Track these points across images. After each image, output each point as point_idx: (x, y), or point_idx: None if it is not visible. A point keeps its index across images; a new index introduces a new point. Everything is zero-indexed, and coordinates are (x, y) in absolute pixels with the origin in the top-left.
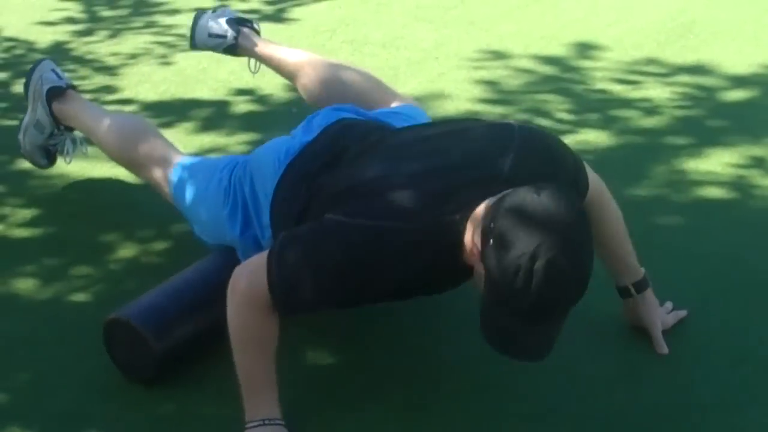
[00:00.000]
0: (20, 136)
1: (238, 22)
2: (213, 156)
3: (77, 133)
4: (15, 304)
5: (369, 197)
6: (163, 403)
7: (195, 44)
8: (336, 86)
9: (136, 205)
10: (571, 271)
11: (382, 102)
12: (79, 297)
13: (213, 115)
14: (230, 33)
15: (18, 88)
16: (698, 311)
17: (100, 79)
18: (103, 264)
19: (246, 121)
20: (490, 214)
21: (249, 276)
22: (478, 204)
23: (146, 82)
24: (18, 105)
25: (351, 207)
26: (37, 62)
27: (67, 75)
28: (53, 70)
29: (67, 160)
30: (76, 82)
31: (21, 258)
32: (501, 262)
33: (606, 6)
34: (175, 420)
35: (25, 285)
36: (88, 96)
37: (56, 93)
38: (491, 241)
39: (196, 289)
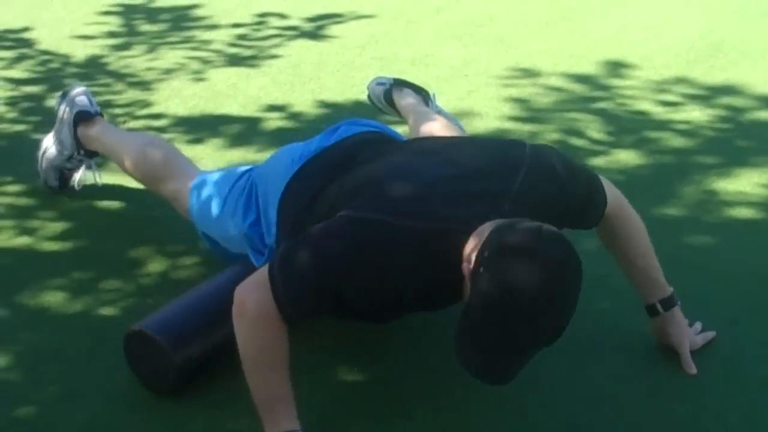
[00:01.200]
0: (39, 153)
1: (403, 83)
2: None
3: (94, 162)
4: (44, 317)
5: (377, 194)
6: (191, 417)
7: (368, 94)
8: None
9: (166, 220)
10: (548, 320)
11: None
12: (108, 311)
13: (243, 131)
14: (389, 82)
15: (52, 102)
16: (728, 331)
17: (133, 94)
18: (132, 278)
19: (276, 138)
20: (488, 241)
21: (253, 293)
22: (482, 221)
23: (176, 97)
24: (51, 120)
25: (358, 202)
26: (73, 85)
27: (96, 101)
28: (86, 96)
29: (78, 187)
30: (108, 97)
31: (50, 271)
32: (483, 293)
33: (635, 25)
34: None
35: (54, 298)
36: (119, 110)
37: (84, 118)
38: (481, 269)
39: (214, 300)
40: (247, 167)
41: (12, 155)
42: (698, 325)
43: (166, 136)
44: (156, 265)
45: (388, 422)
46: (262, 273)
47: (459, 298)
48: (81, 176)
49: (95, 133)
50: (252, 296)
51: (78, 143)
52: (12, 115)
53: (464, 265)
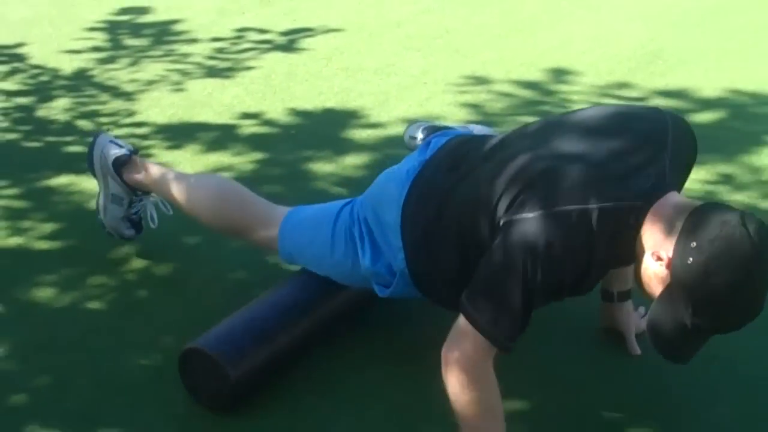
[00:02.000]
0: (100, 217)
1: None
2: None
3: (155, 196)
4: (35, 312)
5: (541, 188)
6: (176, 402)
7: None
8: None
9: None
10: (756, 312)
11: None
12: (95, 305)
13: (218, 137)
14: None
15: (42, 112)
16: None
17: (117, 104)
18: (117, 274)
19: (249, 142)
20: (691, 231)
21: (457, 346)
22: (656, 193)
23: (156, 107)
24: (41, 128)
25: (526, 203)
26: (94, 138)
27: (82, 111)
28: (112, 141)
29: (153, 224)
30: (94, 107)
31: (41, 268)
32: (701, 285)
33: (580, 35)
34: (186, 418)
35: (44, 293)
36: (104, 119)
37: (123, 162)
38: (690, 259)
39: (270, 318)
40: (344, 201)
41: (5, 161)
42: (641, 310)
43: (147, 142)
44: (139, 262)
45: (357, 407)
46: (458, 327)
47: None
48: (151, 212)
49: (144, 179)
50: (458, 350)
51: (131, 188)
52: (5, 124)
53: (653, 251)
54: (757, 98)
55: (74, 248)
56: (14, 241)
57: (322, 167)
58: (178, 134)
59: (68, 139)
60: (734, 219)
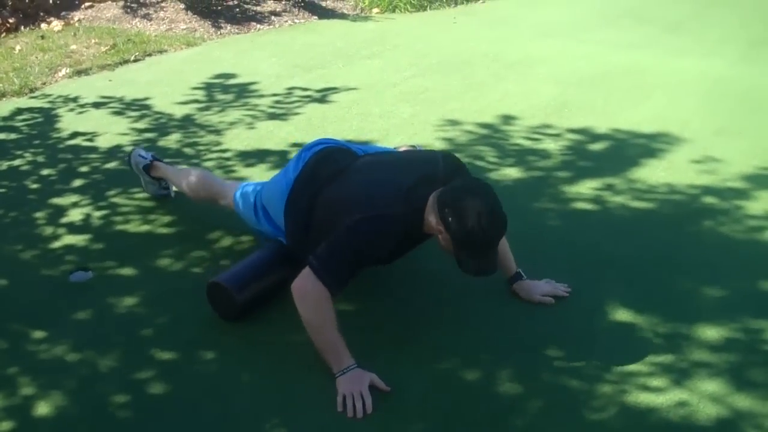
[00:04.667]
0: (144, 189)
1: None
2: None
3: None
4: (158, 273)
5: (368, 200)
6: (258, 333)
7: None
8: None
9: (227, 218)
10: (500, 220)
11: None
12: (196, 269)
13: (277, 160)
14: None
15: (161, 143)
16: (574, 284)
17: (210, 138)
18: (211, 250)
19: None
20: (443, 205)
21: (309, 283)
22: (428, 197)
23: (236, 140)
24: (160, 154)
25: (360, 208)
26: (130, 152)
27: (186, 142)
28: (140, 155)
29: (173, 195)
30: (195, 140)
31: (162, 245)
32: (462, 228)
33: (514, 92)
34: (265, 343)
35: (164, 262)
36: (201, 148)
37: (148, 167)
38: (450, 219)
39: (264, 262)
40: (258, 189)
41: (137, 176)
42: (545, 281)
43: (230, 163)
44: (224, 242)
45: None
46: (308, 272)
47: (422, 242)
48: (170, 187)
49: (161, 174)
50: (308, 287)
51: (156, 179)
52: None
53: (434, 227)
54: (631, 134)
55: (183, 232)
56: (144, 227)
57: None
58: (251, 158)
59: (179, 160)
60: (467, 195)
